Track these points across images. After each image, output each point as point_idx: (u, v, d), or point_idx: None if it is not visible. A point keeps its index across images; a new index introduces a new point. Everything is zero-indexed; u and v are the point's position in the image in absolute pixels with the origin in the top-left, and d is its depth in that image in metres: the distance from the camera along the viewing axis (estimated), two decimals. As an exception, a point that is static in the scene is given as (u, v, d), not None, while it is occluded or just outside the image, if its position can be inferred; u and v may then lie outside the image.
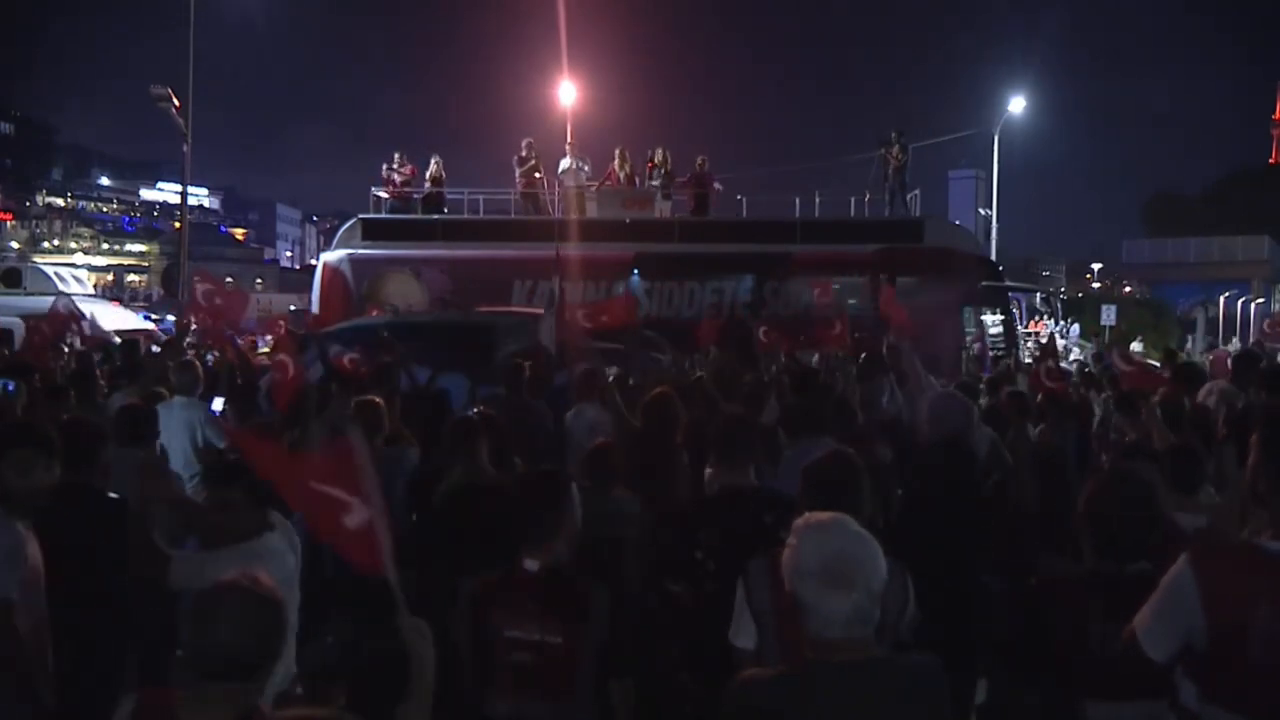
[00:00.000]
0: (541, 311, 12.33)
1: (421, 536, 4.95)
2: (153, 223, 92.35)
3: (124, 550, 4.04)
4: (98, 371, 8.50)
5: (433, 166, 20.50)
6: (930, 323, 13.71)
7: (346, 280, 19.45)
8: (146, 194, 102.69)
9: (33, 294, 19.94)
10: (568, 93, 27.03)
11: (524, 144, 20.40)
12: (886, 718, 2.32)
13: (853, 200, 20.61)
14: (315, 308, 19.15)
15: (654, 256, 18.78)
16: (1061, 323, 30.16)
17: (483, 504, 4.64)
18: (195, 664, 2.29)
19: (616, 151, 20.26)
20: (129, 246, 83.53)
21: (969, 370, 13.08)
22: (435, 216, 20.25)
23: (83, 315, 12.16)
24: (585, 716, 3.13)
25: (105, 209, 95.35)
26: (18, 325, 12.89)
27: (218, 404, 7.78)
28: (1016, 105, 34.19)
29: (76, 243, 78.79)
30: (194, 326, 10.55)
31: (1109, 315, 32.52)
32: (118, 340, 12.20)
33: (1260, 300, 51.71)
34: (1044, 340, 12.92)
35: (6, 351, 10.14)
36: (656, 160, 20.26)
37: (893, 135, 20.30)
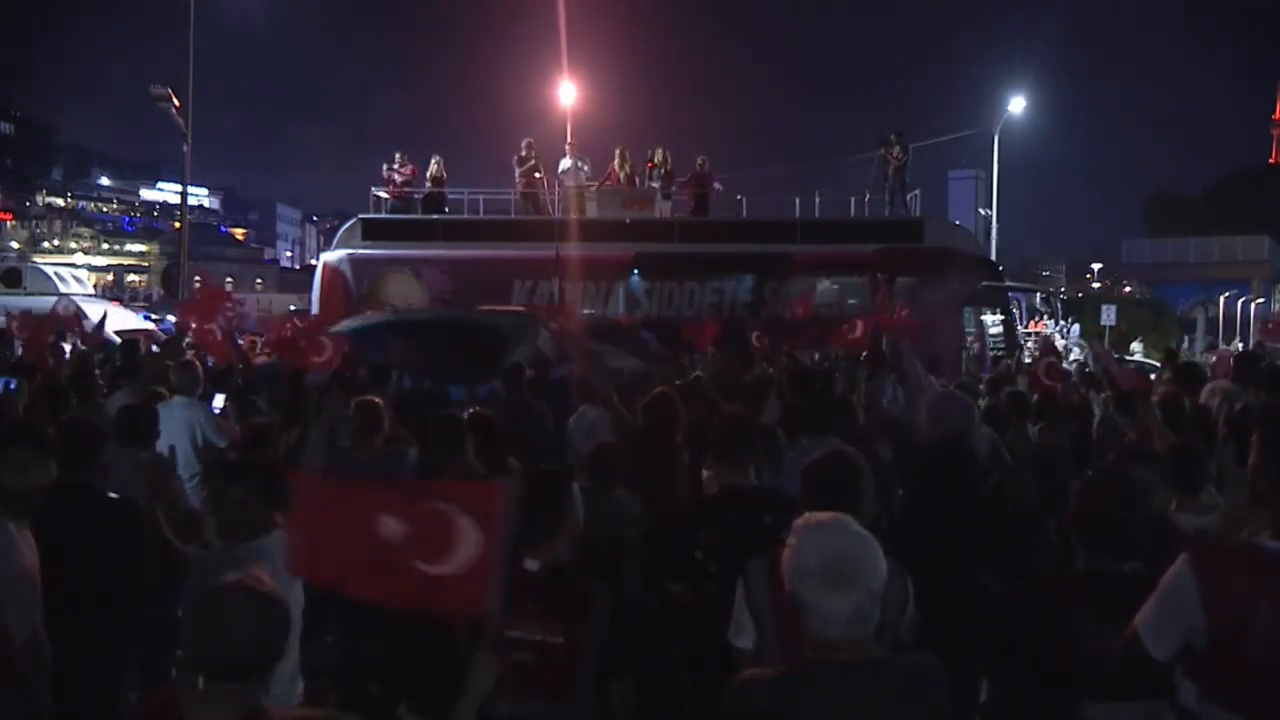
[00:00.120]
0: (540, 309, 12.36)
1: None
2: (153, 223, 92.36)
3: (124, 550, 4.05)
4: (98, 371, 8.51)
5: (433, 166, 20.51)
6: (930, 323, 13.72)
7: (346, 280, 19.45)
8: (146, 194, 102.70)
9: (33, 294, 19.96)
10: (568, 93, 27.04)
11: (524, 144, 20.41)
12: (886, 718, 2.32)
13: (853, 200, 20.64)
14: (315, 308, 19.15)
15: (654, 256, 18.79)
16: (1061, 323, 30.12)
17: None
18: (200, 664, 2.29)
19: (616, 151, 20.27)
20: (129, 246, 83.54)
21: (969, 370, 13.09)
22: (435, 216, 20.26)
23: (85, 315, 12.18)
24: (585, 716, 3.13)
25: (105, 209, 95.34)
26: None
27: (218, 401, 7.80)
28: (1016, 105, 34.25)
29: (76, 243, 78.80)
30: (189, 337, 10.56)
31: (1109, 315, 32.50)
32: (118, 340, 12.21)
33: (1260, 300, 51.76)
34: (1040, 341, 12.94)
35: (7, 351, 10.15)
36: (656, 160, 20.27)
37: (892, 136, 20.31)
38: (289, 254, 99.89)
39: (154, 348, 11.52)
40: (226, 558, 3.67)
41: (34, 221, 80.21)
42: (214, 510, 4.35)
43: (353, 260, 19.62)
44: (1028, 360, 15.00)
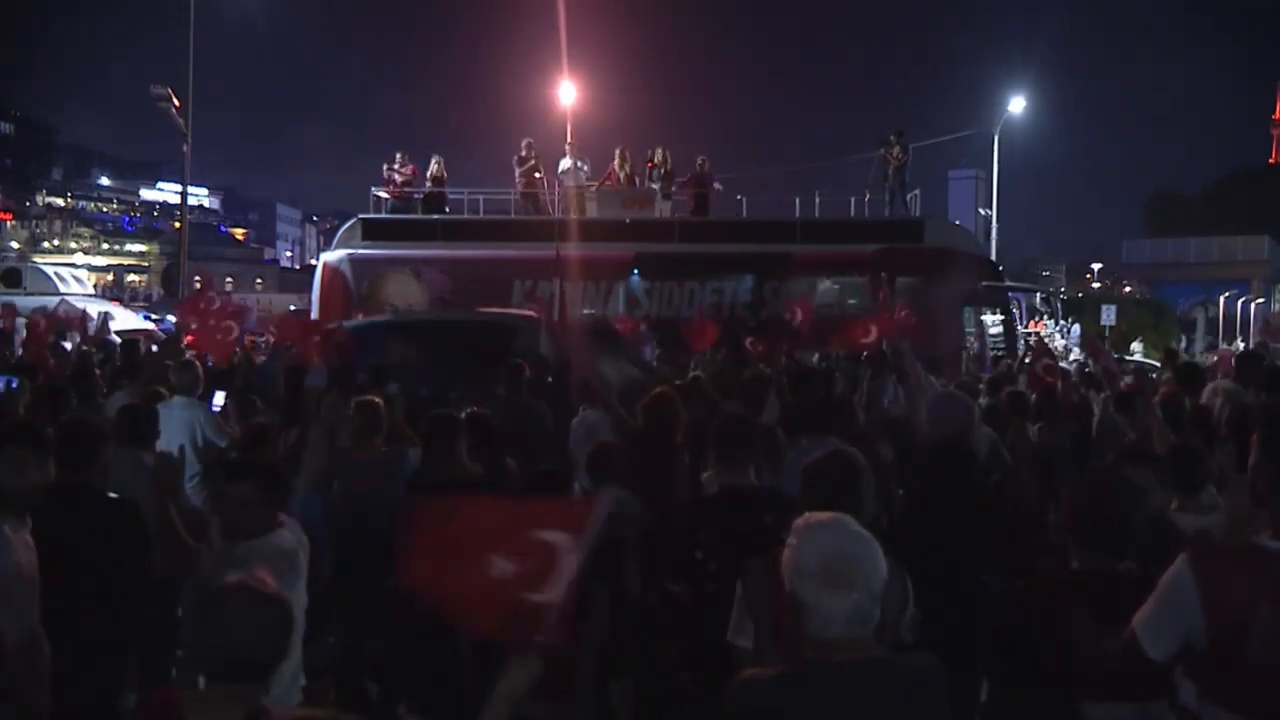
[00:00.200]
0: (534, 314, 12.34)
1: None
2: (153, 223, 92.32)
3: (124, 550, 4.04)
4: (98, 371, 8.51)
5: (434, 166, 20.49)
6: (930, 323, 13.72)
7: (346, 280, 19.44)
8: (146, 194, 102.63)
9: (33, 294, 19.97)
10: (568, 93, 27.05)
11: (524, 144, 20.40)
12: (886, 718, 2.32)
13: (853, 200, 20.63)
14: (315, 308, 19.15)
15: (654, 256, 18.78)
16: (1061, 323, 30.12)
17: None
18: (201, 665, 2.29)
19: (616, 151, 20.26)
20: (129, 246, 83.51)
21: (969, 370, 13.09)
22: (435, 216, 20.24)
23: (90, 318, 12.21)
24: (586, 716, 3.13)
25: (105, 209, 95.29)
26: (18, 325, 12.92)
27: (219, 399, 7.82)
28: (1016, 105, 34.24)
29: (76, 243, 78.77)
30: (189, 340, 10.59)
31: (1109, 315, 32.53)
32: (118, 340, 12.22)
33: (1260, 300, 51.74)
34: (1034, 342, 12.96)
35: (7, 351, 10.16)
36: (656, 160, 20.26)
37: (892, 136, 20.30)
38: (289, 254, 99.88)
39: (154, 348, 11.54)
40: (228, 556, 3.68)
41: (34, 221, 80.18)
42: (215, 509, 4.35)
43: (353, 260, 19.61)
44: (1027, 360, 15.02)
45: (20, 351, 10.70)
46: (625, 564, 4.37)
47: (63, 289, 22.28)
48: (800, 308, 14.49)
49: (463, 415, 5.47)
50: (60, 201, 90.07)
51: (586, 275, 18.01)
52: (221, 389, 7.99)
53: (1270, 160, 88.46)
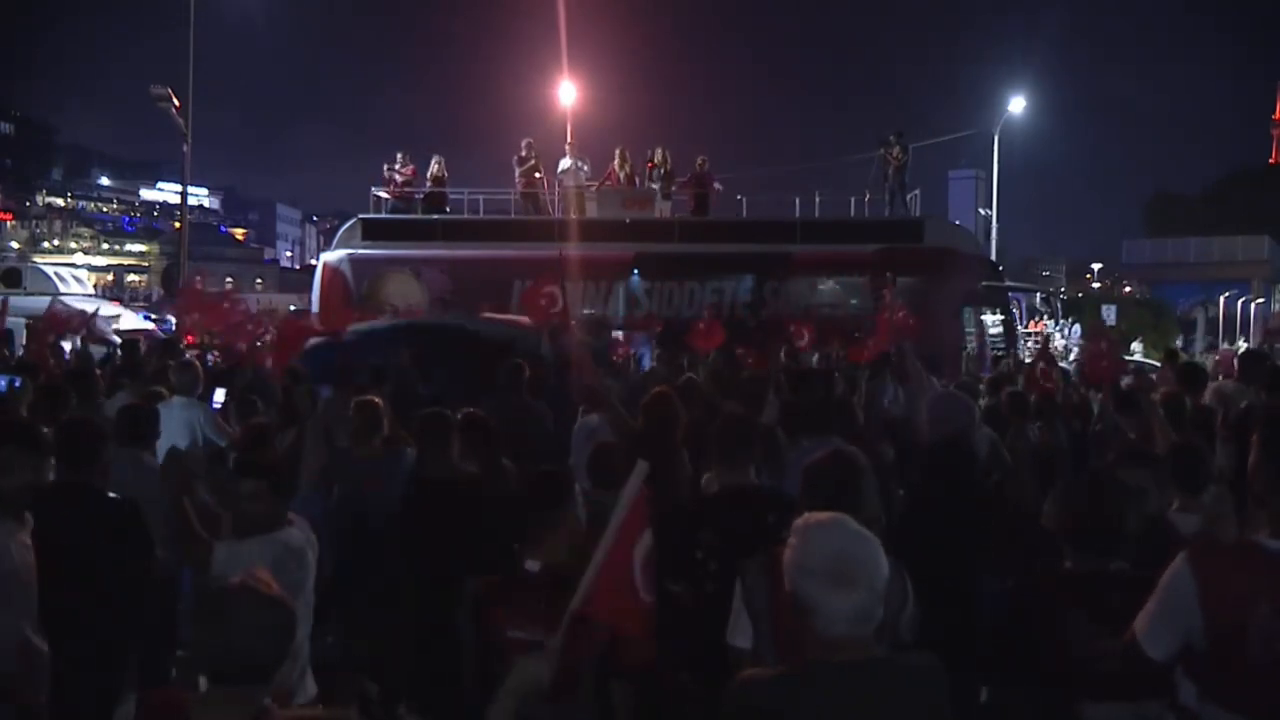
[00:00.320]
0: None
1: (405, 533, 5.02)
2: (153, 223, 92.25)
3: (124, 550, 4.05)
4: (98, 371, 8.51)
5: (434, 166, 20.48)
6: (930, 323, 13.71)
7: (346, 280, 19.43)
8: (146, 194, 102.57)
9: (33, 294, 19.96)
10: (568, 93, 27.10)
11: (524, 144, 20.39)
12: (886, 718, 2.32)
13: (853, 200, 20.61)
14: (315, 308, 19.14)
15: (654, 256, 18.78)
16: (1061, 323, 30.13)
17: (448, 499, 4.72)
18: (204, 666, 2.29)
19: (616, 151, 20.24)
20: (129, 246, 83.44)
21: (969, 370, 13.08)
22: (435, 216, 20.24)
23: (100, 317, 12.20)
24: (586, 716, 3.13)
25: (105, 209, 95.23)
26: (19, 325, 12.92)
27: (219, 395, 7.83)
28: (1016, 105, 34.26)
29: (76, 243, 78.72)
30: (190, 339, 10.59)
31: (1109, 315, 32.56)
32: (118, 340, 12.22)
33: (1260, 300, 51.77)
34: (1038, 343, 12.93)
35: (7, 352, 10.15)
36: (656, 160, 20.24)
37: (892, 136, 20.29)
38: (289, 254, 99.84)
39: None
40: (240, 551, 3.70)
41: (34, 221, 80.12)
42: (223, 504, 4.36)
43: (353, 260, 19.60)
44: (1027, 360, 15.02)
45: (20, 352, 10.70)
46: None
47: (63, 289, 22.28)
48: (805, 328, 14.24)
49: (458, 415, 5.47)
50: (60, 201, 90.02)
51: (586, 275, 17.99)
52: (222, 386, 8.00)
53: (1270, 160, 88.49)
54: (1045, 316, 28.07)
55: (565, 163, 20.41)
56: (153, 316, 26.02)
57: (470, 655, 3.23)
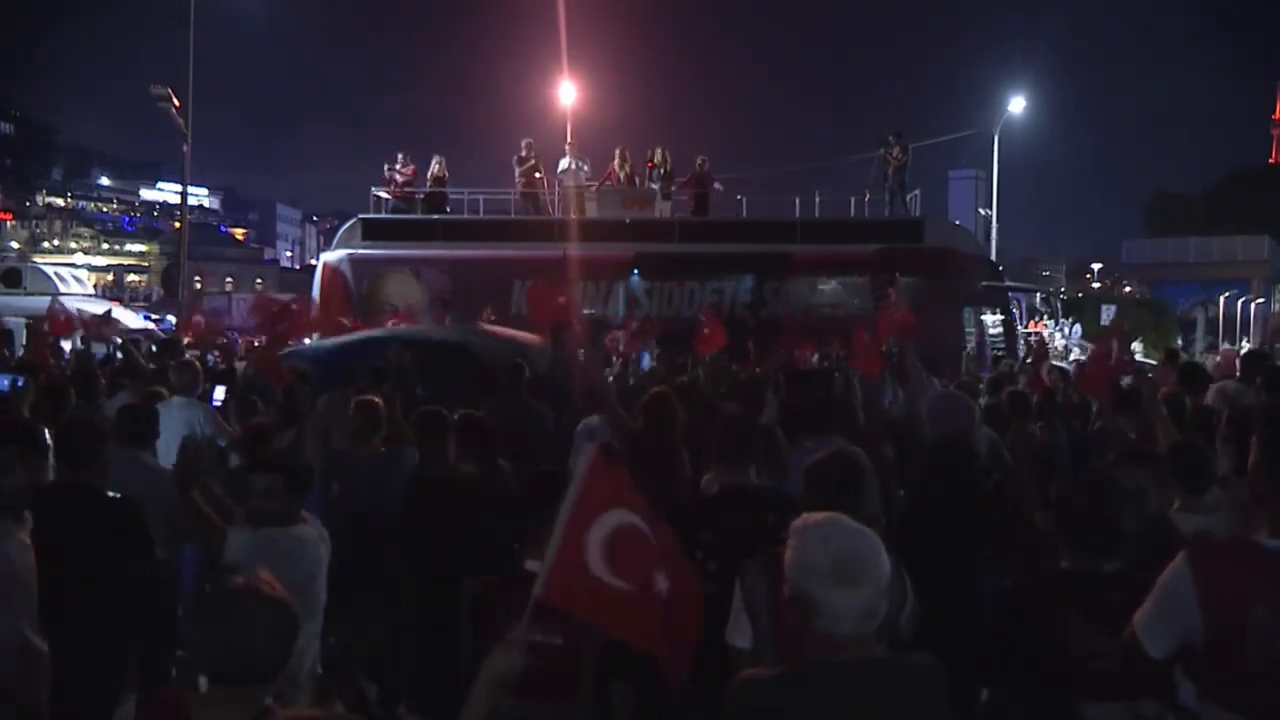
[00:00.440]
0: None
1: (405, 533, 5.02)
2: (153, 223, 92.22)
3: (124, 550, 4.04)
4: (98, 371, 8.51)
5: (435, 166, 20.49)
6: (930, 323, 13.69)
7: (346, 280, 19.45)
8: (146, 194, 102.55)
9: (33, 294, 19.98)
10: (568, 93, 27.10)
11: (524, 144, 20.40)
12: (886, 718, 2.32)
13: (853, 200, 20.62)
14: (315, 308, 19.14)
15: (654, 256, 18.78)
16: (1061, 323, 30.13)
17: (443, 499, 4.72)
18: (205, 667, 2.28)
19: (616, 151, 20.25)
20: (129, 246, 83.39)
21: (969, 370, 13.08)
22: (435, 216, 20.24)
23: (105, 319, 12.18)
24: (586, 717, 3.13)
25: (105, 209, 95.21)
26: (19, 325, 12.92)
27: (219, 393, 7.83)
28: (1016, 105, 34.24)
29: (76, 243, 78.69)
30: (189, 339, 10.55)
31: (1109, 315, 32.53)
32: (118, 340, 12.21)
33: (1260, 300, 51.77)
34: (1035, 344, 12.92)
35: (7, 352, 10.15)
36: (656, 160, 20.25)
37: (892, 136, 20.30)
38: (289, 254, 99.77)
39: (153, 348, 11.53)
40: (253, 543, 3.71)
41: (34, 221, 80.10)
42: (233, 495, 4.37)
43: (353, 260, 19.61)
44: (1027, 360, 15.01)
45: (21, 352, 10.70)
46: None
47: (63, 289, 22.28)
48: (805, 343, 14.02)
49: (456, 415, 5.47)
50: (60, 201, 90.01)
51: (586, 275, 17.99)
52: (222, 384, 8.02)
53: (1270, 160, 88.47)
54: (1045, 316, 28.08)
55: (565, 163, 20.42)
56: (153, 316, 26.03)
57: (470, 655, 3.22)
